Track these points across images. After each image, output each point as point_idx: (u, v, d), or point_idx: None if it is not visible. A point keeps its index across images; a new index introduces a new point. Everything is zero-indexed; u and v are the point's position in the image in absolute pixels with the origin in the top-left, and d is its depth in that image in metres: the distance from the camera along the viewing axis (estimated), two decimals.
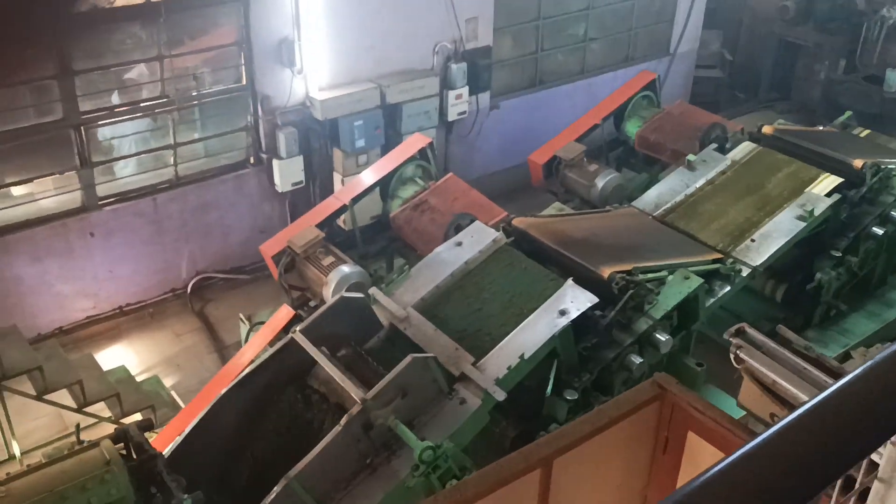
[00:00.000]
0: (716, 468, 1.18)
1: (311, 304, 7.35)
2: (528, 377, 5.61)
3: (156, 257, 8.38)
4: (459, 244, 6.38)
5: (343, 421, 4.86)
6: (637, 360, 5.70)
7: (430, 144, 7.98)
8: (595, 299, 5.55)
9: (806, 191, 7.31)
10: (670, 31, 12.06)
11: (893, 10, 12.63)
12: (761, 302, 8.00)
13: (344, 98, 8.50)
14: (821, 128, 9.11)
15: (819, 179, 7.47)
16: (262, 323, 7.14)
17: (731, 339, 3.47)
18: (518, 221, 6.61)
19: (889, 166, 7.63)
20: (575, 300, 5.60)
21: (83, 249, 7.83)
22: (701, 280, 6.05)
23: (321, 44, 8.41)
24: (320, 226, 7.46)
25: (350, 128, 8.59)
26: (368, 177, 7.93)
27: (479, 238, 6.38)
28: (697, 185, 7.70)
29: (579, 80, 11.21)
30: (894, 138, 9.67)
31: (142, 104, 7.81)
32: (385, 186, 7.95)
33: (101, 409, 6.67)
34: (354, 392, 5.00)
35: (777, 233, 6.94)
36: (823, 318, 7.84)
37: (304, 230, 7.37)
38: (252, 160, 8.73)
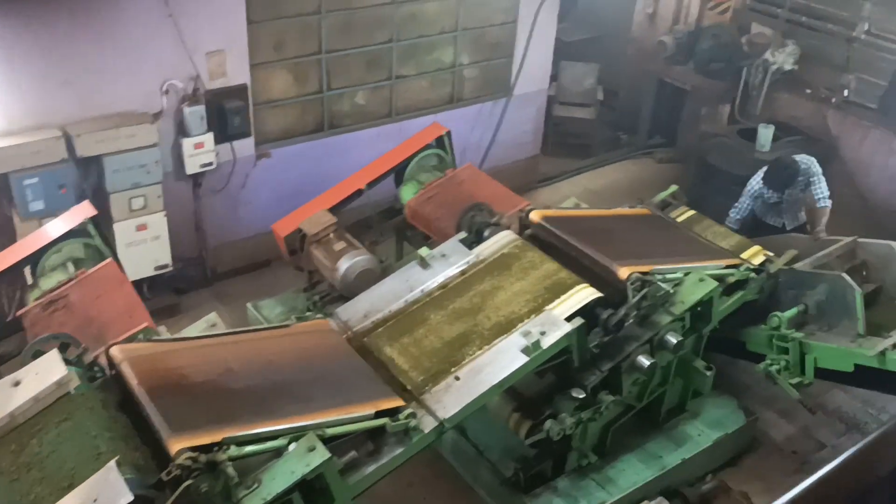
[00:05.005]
0: None
1: None
2: None
3: None
4: (17, 384, 4.79)
5: None
6: None
7: (94, 217, 6.39)
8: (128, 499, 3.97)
9: (546, 309, 5.74)
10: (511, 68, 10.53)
11: (779, 54, 11.16)
12: (514, 436, 6.46)
13: (10, 150, 6.90)
14: (626, 207, 7.59)
15: (571, 293, 5.89)
16: None
17: None
18: (119, 350, 5.02)
19: (667, 276, 6.09)
20: (101, 496, 4.03)
21: None
22: (322, 459, 4.48)
23: None
24: None
25: (21, 187, 6.99)
26: (14, 253, 6.34)
27: (44, 377, 4.78)
28: (426, 289, 6.15)
29: (387, 125, 9.66)
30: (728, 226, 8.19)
31: None
32: (34, 265, 6.36)
33: None
34: None
35: (490, 369, 5.38)
36: (580, 464, 6.32)
37: None
38: None
